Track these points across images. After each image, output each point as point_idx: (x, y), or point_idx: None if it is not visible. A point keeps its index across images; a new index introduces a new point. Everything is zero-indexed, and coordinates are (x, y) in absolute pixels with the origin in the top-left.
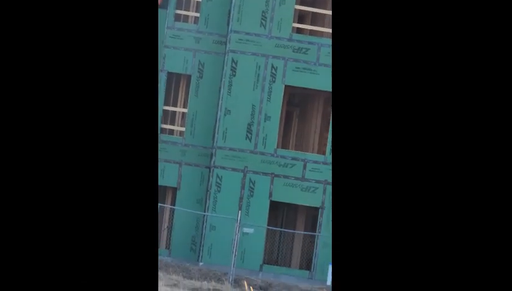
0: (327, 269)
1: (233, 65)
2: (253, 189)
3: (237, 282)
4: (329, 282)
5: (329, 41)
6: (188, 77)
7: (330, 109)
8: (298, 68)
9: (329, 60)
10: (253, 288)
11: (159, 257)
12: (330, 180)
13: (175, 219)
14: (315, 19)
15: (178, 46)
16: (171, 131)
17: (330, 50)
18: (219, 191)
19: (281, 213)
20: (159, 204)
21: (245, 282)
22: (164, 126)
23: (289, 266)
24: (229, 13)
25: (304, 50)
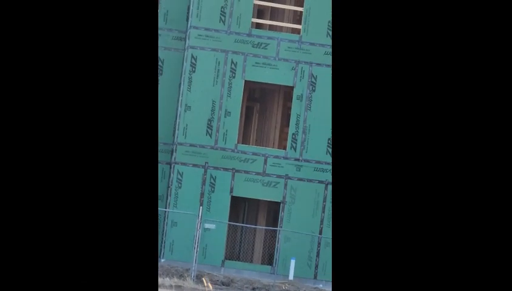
0: (289, 264)
1: (193, 61)
2: (214, 185)
3: (199, 278)
4: (291, 276)
5: (289, 36)
6: None
7: (290, 104)
8: (258, 63)
9: (288, 54)
10: (212, 285)
11: None
12: (291, 174)
13: None
14: (274, 13)
15: None
16: None
17: (289, 44)
18: (180, 187)
19: (242, 208)
20: None
21: (204, 279)
22: None
23: (251, 261)
24: (188, 9)
25: (263, 45)
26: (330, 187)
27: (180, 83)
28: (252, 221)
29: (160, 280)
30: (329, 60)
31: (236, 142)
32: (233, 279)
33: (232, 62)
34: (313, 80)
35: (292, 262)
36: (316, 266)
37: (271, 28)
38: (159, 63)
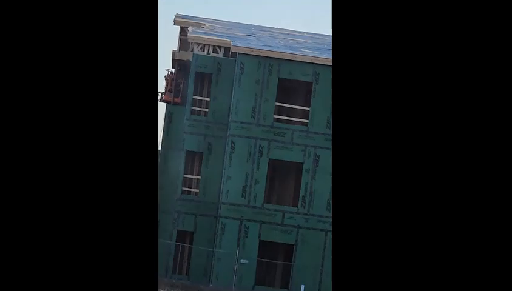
0: (300, 288)
1: (232, 145)
2: (247, 232)
3: None
4: None
5: (300, 127)
6: (201, 153)
7: (300, 175)
8: (278, 146)
9: (299, 140)
10: None
11: (181, 281)
12: (301, 225)
13: (192, 254)
14: (290, 111)
15: (193, 132)
16: (189, 192)
17: (300, 133)
18: (223, 234)
19: (267, 249)
20: (180, 244)
21: None
22: (184, 188)
23: (273, 286)
24: (229, 109)
25: (282, 134)
26: (329, 234)
27: (223, 161)
28: (274, 257)
29: None
30: (328, 144)
31: (262, 202)
32: None
33: (260, 145)
34: (317, 158)
35: (302, 287)
36: (319, 290)
37: (287, 122)
38: (208, 146)
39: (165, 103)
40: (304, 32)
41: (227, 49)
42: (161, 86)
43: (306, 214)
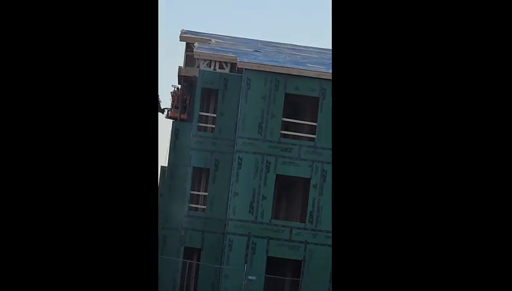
0: None
1: (239, 160)
2: (254, 248)
3: None
4: None
5: (306, 143)
6: (208, 170)
7: (308, 190)
8: (285, 162)
9: (306, 156)
10: None
11: None
12: (309, 240)
13: (200, 271)
14: (297, 127)
15: (200, 148)
16: (196, 209)
17: (307, 149)
18: (231, 250)
19: (275, 265)
20: (187, 261)
21: None
22: (191, 205)
23: None
24: (236, 125)
25: (289, 149)
26: None
27: (230, 177)
28: (282, 274)
29: None
30: None
31: (270, 218)
32: None
33: (267, 161)
34: (324, 173)
35: None
36: None
37: (294, 137)
38: (215, 162)
39: (171, 120)
40: (311, 47)
41: (233, 65)
42: (167, 102)
43: (313, 230)
